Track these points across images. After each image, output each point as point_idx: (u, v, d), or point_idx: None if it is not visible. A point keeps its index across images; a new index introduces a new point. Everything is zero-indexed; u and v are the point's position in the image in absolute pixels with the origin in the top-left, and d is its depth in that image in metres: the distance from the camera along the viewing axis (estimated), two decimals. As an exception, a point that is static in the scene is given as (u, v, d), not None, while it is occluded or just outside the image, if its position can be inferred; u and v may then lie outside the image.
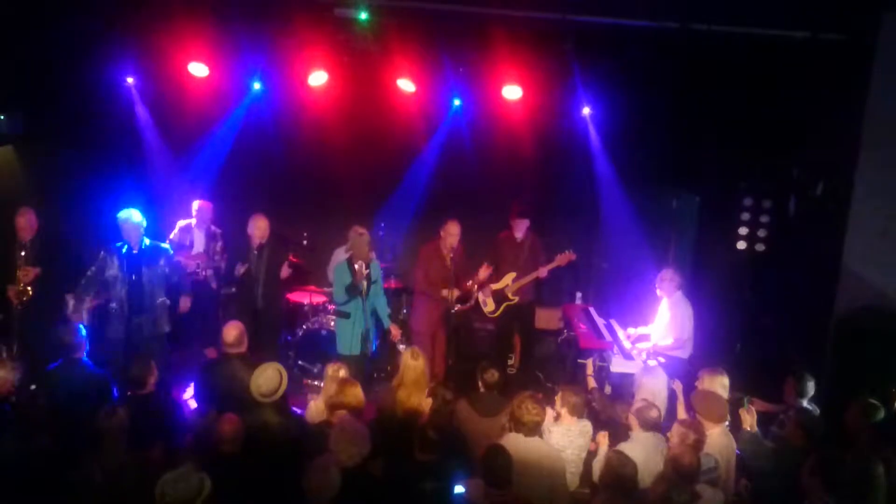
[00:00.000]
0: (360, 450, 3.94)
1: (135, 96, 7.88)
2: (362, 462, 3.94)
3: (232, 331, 5.07)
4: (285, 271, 6.76)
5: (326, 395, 4.74)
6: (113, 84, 7.68)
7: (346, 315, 6.12)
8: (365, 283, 6.00)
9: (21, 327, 6.21)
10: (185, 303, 6.44)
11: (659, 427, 4.57)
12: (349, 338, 6.05)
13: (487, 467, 3.84)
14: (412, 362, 4.92)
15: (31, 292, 6.18)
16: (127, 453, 4.04)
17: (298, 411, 5.11)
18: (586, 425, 4.79)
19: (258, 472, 4.03)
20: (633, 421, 4.57)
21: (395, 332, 6.42)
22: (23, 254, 6.15)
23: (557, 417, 4.76)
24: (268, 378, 4.49)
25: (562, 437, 4.63)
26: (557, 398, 4.80)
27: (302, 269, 7.37)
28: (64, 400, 4.58)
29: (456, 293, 6.68)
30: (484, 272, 6.93)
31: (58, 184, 7.60)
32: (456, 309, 6.67)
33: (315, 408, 4.94)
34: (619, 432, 4.84)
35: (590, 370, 5.81)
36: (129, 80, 7.73)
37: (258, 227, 6.55)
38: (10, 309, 6.24)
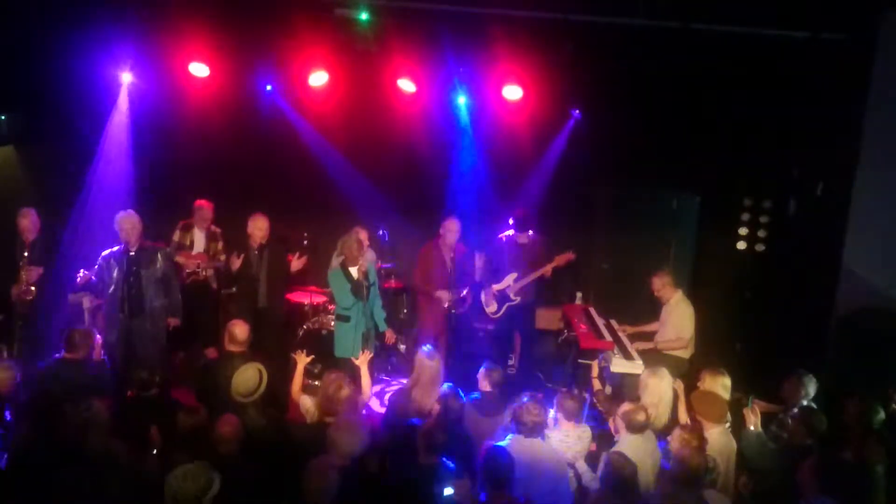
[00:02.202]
0: (358, 442, 3.94)
1: (121, 93, 7.68)
2: (361, 460, 3.95)
3: (239, 328, 5.07)
4: (297, 264, 6.69)
5: (320, 400, 4.72)
6: (113, 84, 7.66)
7: (347, 319, 6.10)
8: (366, 283, 6.00)
9: (23, 327, 6.21)
10: (173, 321, 6.38)
11: (646, 430, 4.55)
12: (350, 341, 6.03)
13: (488, 469, 3.84)
14: (429, 362, 4.92)
15: (34, 292, 6.19)
16: (126, 451, 4.04)
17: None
18: (584, 430, 4.79)
19: (254, 472, 4.04)
20: (619, 423, 4.55)
21: (390, 335, 6.43)
22: (26, 254, 6.15)
23: (555, 422, 4.77)
24: (246, 378, 4.50)
25: (559, 443, 4.63)
26: (555, 404, 4.80)
27: (303, 268, 7.33)
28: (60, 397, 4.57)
29: (451, 295, 6.75)
30: (510, 279, 7.09)
31: (58, 184, 7.61)
32: (452, 311, 6.71)
33: (308, 405, 4.94)
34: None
35: (595, 372, 5.81)
36: (125, 77, 7.66)
37: (259, 227, 6.53)
38: (11, 309, 6.25)
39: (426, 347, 5.20)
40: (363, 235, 6.76)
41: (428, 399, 4.83)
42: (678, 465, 3.96)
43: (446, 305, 6.83)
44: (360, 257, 6.07)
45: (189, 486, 3.42)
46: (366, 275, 6.02)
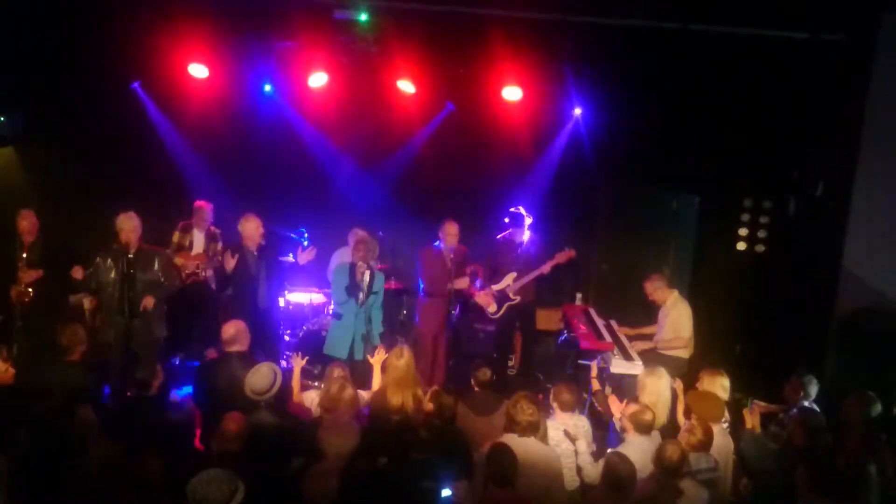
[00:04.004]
0: (346, 443, 3.94)
1: (144, 97, 7.86)
2: (354, 459, 3.94)
3: (230, 329, 5.06)
4: (305, 257, 6.65)
5: (323, 394, 4.74)
6: (113, 84, 7.67)
7: (339, 317, 6.13)
8: (364, 287, 6.01)
9: (22, 327, 6.22)
10: (147, 301, 6.06)
11: (652, 431, 4.55)
12: (339, 340, 6.07)
13: (493, 466, 3.84)
14: (395, 362, 4.92)
15: (31, 293, 6.20)
16: (123, 453, 4.02)
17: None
18: (580, 419, 4.81)
19: (259, 471, 4.02)
20: (627, 424, 4.55)
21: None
22: (24, 255, 6.16)
23: (551, 413, 4.79)
24: (261, 376, 4.49)
25: (555, 433, 4.63)
26: (551, 395, 4.83)
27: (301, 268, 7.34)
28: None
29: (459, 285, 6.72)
30: (509, 279, 7.07)
31: (58, 184, 7.62)
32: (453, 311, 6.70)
33: (314, 397, 4.96)
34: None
35: (594, 372, 5.80)
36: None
37: (256, 228, 6.46)
38: (10, 309, 6.25)
39: (397, 347, 5.18)
40: (361, 236, 6.75)
41: (400, 398, 4.82)
42: (656, 452, 4.02)
43: (452, 307, 6.74)
44: (370, 260, 6.10)
45: (215, 491, 3.34)
46: (371, 282, 6.03)
